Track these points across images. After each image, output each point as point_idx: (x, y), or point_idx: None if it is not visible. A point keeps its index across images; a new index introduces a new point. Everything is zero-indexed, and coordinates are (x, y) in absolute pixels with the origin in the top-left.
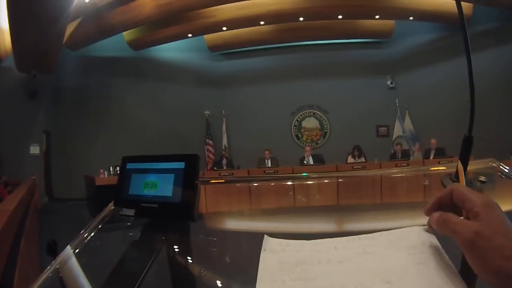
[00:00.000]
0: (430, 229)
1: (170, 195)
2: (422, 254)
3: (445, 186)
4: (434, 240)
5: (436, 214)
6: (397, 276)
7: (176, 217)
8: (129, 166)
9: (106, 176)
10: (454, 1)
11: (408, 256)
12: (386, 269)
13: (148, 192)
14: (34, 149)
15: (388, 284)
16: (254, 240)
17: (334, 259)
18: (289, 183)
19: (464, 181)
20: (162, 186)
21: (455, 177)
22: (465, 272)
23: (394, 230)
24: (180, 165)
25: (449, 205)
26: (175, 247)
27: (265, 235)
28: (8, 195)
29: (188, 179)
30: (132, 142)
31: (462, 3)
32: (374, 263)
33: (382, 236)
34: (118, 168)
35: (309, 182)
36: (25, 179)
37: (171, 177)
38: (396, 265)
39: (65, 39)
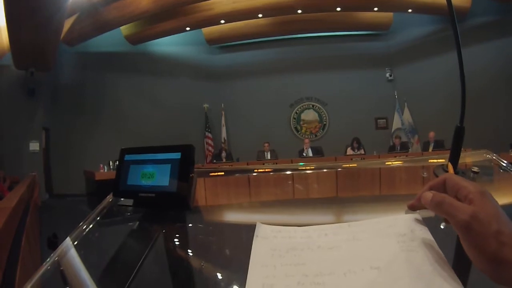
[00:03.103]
0: (418, 203)
1: (167, 184)
2: (411, 242)
3: (437, 176)
4: (423, 228)
5: (430, 194)
6: (386, 262)
7: (172, 206)
8: (127, 157)
9: (105, 171)
10: None
11: (397, 243)
12: (375, 256)
13: (146, 182)
14: (34, 146)
15: (376, 270)
16: (249, 230)
17: (324, 245)
18: (288, 173)
19: (453, 170)
20: (159, 176)
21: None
22: (458, 260)
23: (384, 217)
24: (176, 155)
25: None
26: (172, 236)
27: (258, 222)
28: (9, 192)
29: (184, 169)
30: (132, 136)
31: None
32: (363, 249)
33: (372, 223)
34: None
35: (308, 172)
36: (25, 176)
37: (167, 167)
38: (384, 252)
39: (62, 35)
